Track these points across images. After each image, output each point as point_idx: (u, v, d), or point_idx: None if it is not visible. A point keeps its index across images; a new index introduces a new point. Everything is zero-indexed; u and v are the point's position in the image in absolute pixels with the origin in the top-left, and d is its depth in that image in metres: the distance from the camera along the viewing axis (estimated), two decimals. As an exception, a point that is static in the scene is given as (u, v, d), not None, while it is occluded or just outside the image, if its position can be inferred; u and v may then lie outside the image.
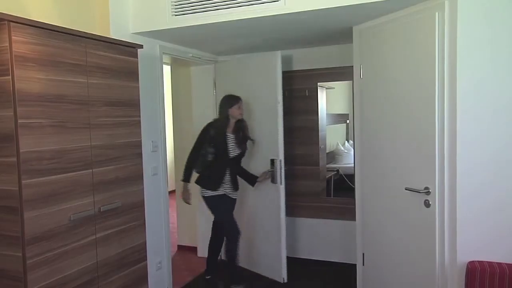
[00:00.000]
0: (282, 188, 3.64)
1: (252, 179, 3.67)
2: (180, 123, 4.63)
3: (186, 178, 3.52)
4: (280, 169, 3.61)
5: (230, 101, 3.47)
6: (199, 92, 4.41)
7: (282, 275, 3.71)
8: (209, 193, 3.48)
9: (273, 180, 3.68)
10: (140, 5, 3.06)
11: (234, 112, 3.45)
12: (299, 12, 2.63)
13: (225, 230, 3.57)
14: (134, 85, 2.58)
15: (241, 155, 3.53)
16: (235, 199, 3.61)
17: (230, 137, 3.47)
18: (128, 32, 3.06)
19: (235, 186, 3.56)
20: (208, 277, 3.76)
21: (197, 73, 4.41)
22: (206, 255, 4.47)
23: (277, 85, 3.62)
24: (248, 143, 3.60)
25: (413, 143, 2.62)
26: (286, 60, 4.23)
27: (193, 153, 3.51)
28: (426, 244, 2.56)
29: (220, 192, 3.48)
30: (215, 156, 3.45)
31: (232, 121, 3.49)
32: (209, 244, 3.76)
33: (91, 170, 2.26)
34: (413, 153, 2.63)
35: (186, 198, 3.58)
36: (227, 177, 3.48)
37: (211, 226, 3.74)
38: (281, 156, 3.61)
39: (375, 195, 3.02)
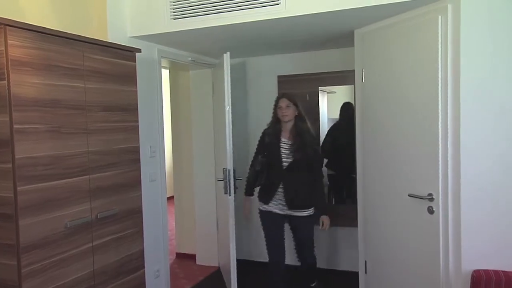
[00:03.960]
0: (231, 199, 3.34)
1: (322, 208, 3.20)
2: (179, 128, 4.63)
3: (246, 191, 3.33)
4: (229, 179, 3.34)
5: (276, 100, 3.19)
6: (198, 96, 4.42)
7: None
8: (260, 206, 3.26)
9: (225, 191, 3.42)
10: (138, 8, 3.07)
11: (277, 112, 3.15)
12: (299, 15, 2.64)
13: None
14: (132, 89, 2.58)
15: (297, 164, 3.08)
16: (294, 216, 3.15)
17: (285, 143, 3.14)
18: (126, 36, 3.07)
19: (294, 202, 3.10)
20: (313, 284, 3.47)
21: (196, 77, 4.42)
22: (205, 262, 4.48)
23: (224, 90, 3.35)
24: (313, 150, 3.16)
25: (416, 148, 2.62)
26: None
27: (251, 164, 3.33)
28: (430, 252, 2.55)
29: (270, 208, 3.18)
30: (269, 166, 3.19)
31: (288, 124, 3.14)
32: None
33: (88, 176, 2.25)
34: (416, 158, 2.62)
35: (246, 213, 3.37)
36: (280, 191, 3.12)
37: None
38: (229, 165, 3.35)
39: (378, 201, 3.01)
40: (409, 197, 2.64)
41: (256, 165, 3.23)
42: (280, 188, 3.10)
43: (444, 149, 2.44)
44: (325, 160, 4.13)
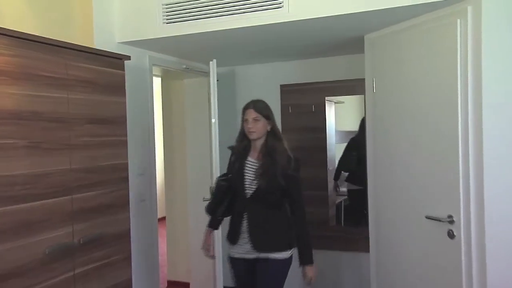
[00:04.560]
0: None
1: (303, 255, 2.62)
2: (172, 142, 4.61)
3: (210, 223, 2.83)
4: None
5: (242, 111, 2.70)
6: (193, 107, 4.41)
7: None
8: (230, 249, 2.74)
9: None
10: (128, 11, 3.07)
11: (244, 126, 2.69)
12: (304, 20, 2.63)
13: None
14: (120, 100, 2.57)
15: (263, 192, 2.58)
16: (261, 258, 2.59)
17: (251, 165, 2.65)
18: (114, 42, 3.07)
19: (260, 242, 2.58)
20: None
21: (191, 86, 4.42)
22: (200, 292, 4.41)
23: (210, 100, 3.31)
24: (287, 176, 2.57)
25: (434, 165, 2.59)
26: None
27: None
28: (451, 281, 2.50)
29: (238, 252, 2.67)
30: (233, 193, 2.69)
31: (257, 142, 2.65)
32: None
33: (70, 197, 2.22)
34: (434, 176, 2.59)
35: (205, 250, 2.86)
36: (244, 228, 2.60)
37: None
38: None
39: (392, 223, 2.98)
40: (426, 219, 2.61)
41: (219, 191, 2.71)
42: (245, 223, 2.60)
43: (465, 165, 2.41)
44: (344, 174, 4.30)
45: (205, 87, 4.28)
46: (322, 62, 4.06)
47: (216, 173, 3.32)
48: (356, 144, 4.07)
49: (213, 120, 3.34)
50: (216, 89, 3.38)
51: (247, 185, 2.60)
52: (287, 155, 2.61)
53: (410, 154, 2.77)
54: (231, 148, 2.76)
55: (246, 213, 2.60)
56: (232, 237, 2.65)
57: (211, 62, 3.38)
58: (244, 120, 2.65)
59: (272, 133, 2.66)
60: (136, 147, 3.19)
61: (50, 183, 2.12)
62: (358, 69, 3.47)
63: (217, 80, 4.26)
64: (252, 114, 2.60)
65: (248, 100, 4.33)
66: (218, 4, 2.80)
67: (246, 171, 2.62)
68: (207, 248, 2.85)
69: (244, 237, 2.60)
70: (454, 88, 2.43)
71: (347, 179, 4.29)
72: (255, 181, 2.57)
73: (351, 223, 4.27)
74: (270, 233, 2.59)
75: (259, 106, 2.65)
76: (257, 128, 2.60)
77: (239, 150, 2.69)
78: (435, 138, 2.59)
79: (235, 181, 2.65)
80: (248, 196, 2.59)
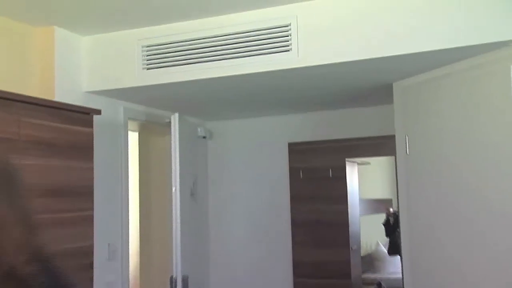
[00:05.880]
0: None
1: None
2: (151, 214, 4.54)
3: None
4: None
5: None
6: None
7: None
8: None
9: None
10: (99, 55, 3.11)
11: None
12: (318, 66, 2.66)
13: None
14: (86, 166, 2.57)
15: None
16: None
17: None
18: (81, 91, 3.08)
19: None
20: None
21: (175, 144, 4.41)
22: None
23: (172, 162, 3.33)
24: None
25: (489, 244, 2.54)
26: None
27: None
28: None
29: None
30: None
31: None
32: None
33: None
34: (490, 259, 2.53)
35: None
36: None
37: None
38: (178, 271, 3.18)
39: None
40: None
41: None
42: None
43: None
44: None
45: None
46: (341, 115, 4.09)
47: (178, 254, 3.16)
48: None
49: (173, 189, 3.22)
50: (177, 149, 3.30)
51: None
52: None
53: (458, 231, 2.72)
54: None
55: None
56: None
57: (172, 116, 3.32)
58: None
59: None
60: (105, 224, 3.14)
61: (-9, 275, 2.06)
62: (386, 123, 3.47)
63: (204, 137, 4.31)
64: None
65: (244, 161, 4.36)
66: (213, 46, 2.82)
67: None
68: None
69: None
70: (510, 149, 2.42)
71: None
72: None
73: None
74: None
75: None
76: None
77: None
78: (490, 215, 2.54)
79: None
80: None
